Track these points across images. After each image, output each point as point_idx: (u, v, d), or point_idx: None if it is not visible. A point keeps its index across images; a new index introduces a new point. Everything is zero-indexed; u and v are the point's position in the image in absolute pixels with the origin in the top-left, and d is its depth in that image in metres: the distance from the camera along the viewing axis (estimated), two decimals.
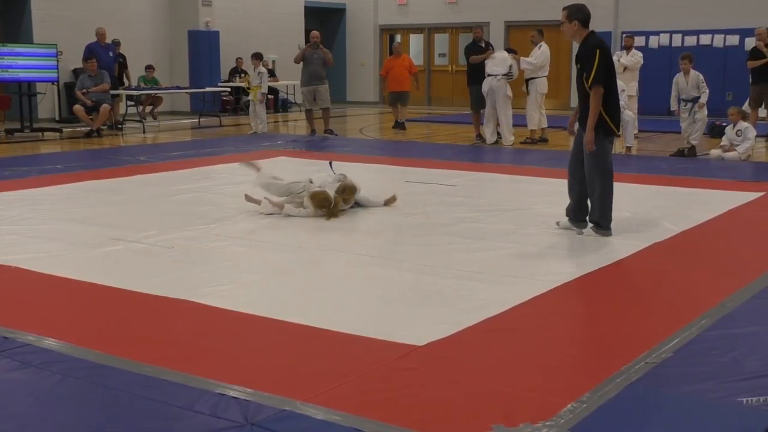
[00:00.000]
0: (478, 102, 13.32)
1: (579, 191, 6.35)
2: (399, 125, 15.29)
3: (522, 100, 13.59)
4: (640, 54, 13.65)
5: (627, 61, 13.41)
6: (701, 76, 11.15)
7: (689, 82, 11.16)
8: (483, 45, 13.59)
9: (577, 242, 6.11)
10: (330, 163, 7.76)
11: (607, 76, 6.09)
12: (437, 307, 4.54)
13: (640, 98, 13.90)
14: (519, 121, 13.51)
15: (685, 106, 11.31)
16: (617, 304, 4.69)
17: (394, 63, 15.42)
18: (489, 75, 12.93)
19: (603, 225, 6.28)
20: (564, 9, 6.25)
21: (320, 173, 7.36)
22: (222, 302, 4.59)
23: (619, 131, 6.37)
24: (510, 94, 12.95)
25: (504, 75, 12.87)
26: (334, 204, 6.84)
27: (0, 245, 5.97)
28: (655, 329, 4.15)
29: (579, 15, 6.19)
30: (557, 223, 6.55)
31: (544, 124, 13.34)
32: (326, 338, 4.06)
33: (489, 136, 13.23)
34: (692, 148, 11.31)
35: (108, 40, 15.35)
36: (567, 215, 6.49)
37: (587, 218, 6.37)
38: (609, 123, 6.12)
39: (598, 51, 6.04)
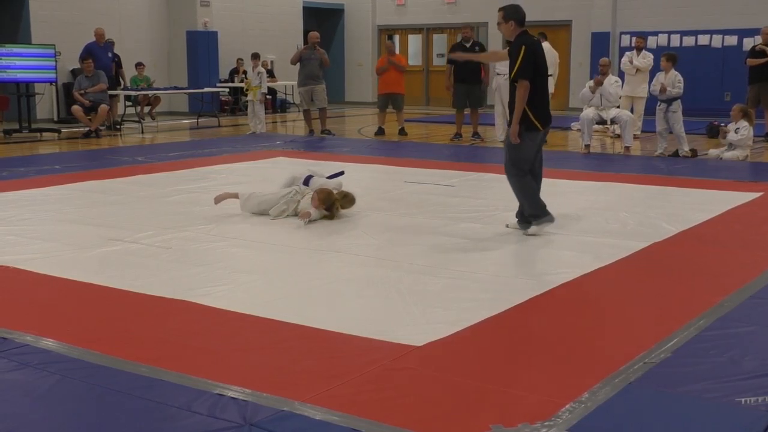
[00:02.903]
0: (460, 100, 13.36)
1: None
2: (381, 131, 14.42)
3: None
4: (651, 56, 13.60)
5: (640, 63, 13.38)
6: (679, 76, 11.14)
7: (666, 80, 11.16)
8: (468, 45, 13.48)
9: (575, 242, 6.11)
10: (341, 173, 7.65)
11: (537, 75, 6.26)
12: (435, 308, 4.54)
13: None
14: None
15: (659, 106, 11.31)
16: (615, 305, 4.69)
17: (385, 61, 14.54)
18: (498, 74, 13.02)
19: (539, 215, 6.38)
20: (500, 10, 6.48)
21: (315, 177, 7.30)
22: (220, 302, 4.59)
23: (544, 128, 6.42)
24: None
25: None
26: (335, 206, 6.82)
27: None
28: (654, 329, 4.16)
29: (515, 15, 6.39)
30: (506, 225, 6.60)
31: None
32: (324, 339, 4.06)
33: (500, 133, 13.28)
34: (676, 151, 11.31)
35: (104, 40, 15.35)
36: (516, 217, 6.54)
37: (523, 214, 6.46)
38: (531, 118, 6.26)
39: (523, 47, 6.22)
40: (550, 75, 13.08)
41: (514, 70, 6.22)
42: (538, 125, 6.32)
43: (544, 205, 6.41)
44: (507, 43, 6.60)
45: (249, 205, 6.99)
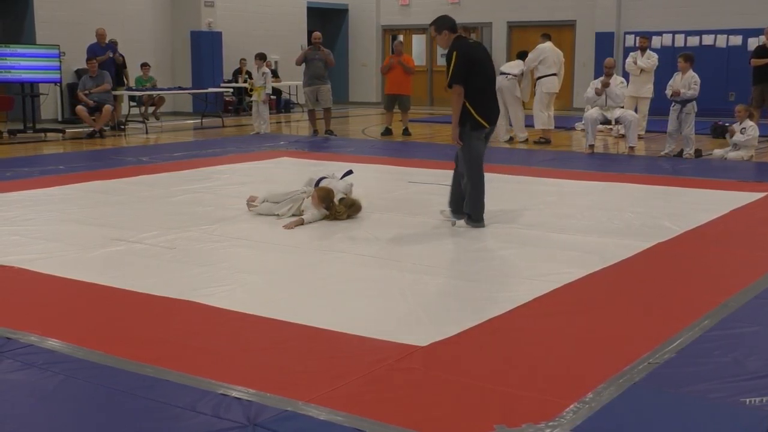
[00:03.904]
0: None
1: (456, 184, 6.75)
2: (389, 131, 14.39)
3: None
4: (655, 56, 13.57)
5: (644, 64, 13.36)
6: (696, 77, 11.07)
7: (683, 81, 11.12)
8: None
9: (579, 242, 6.11)
10: (349, 171, 7.63)
11: (476, 75, 6.45)
12: (438, 308, 4.54)
13: None
14: (528, 122, 13.63)
15: (673, 107, 11.26)
16: (619, 305, 4.69)
17: (394, 62, 14.45)
18: (502, 73, 13.06)
19: (474, 217, 6.61)
20: (431, 24, 6.76)
21: (328, 178, 7.27)
22: (224, 302, 4.59)
23: (489, 126, 6.58)
24: (518, 95, 12.99)
25: (514, 76, 12.96)
26: (336, 210, 6.82)
27: (2, 246, 5.98)
28: (658, 329, 4.15)
29: (446, 24, 6.61)
30: (442, 212, 6.87)
31: (549, 126, 13.30)
32: (328, 339, 4.06)
33: (501, 134, 13.30)
34: (681, 151, 11.28)
35: (106, 40, 15.36)
36: (449, 206, 6.83)
37: (463, 210, 6.69)
38: (476, 117, 6.45)
39: (455, 53, 6.44)
40: (555, 74, 13.11)
41: (448, 77, 6.45)
42: (484, 123, 6.50)
43: (483, 212, 6.63)
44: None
45: (261, 207, 7.03)
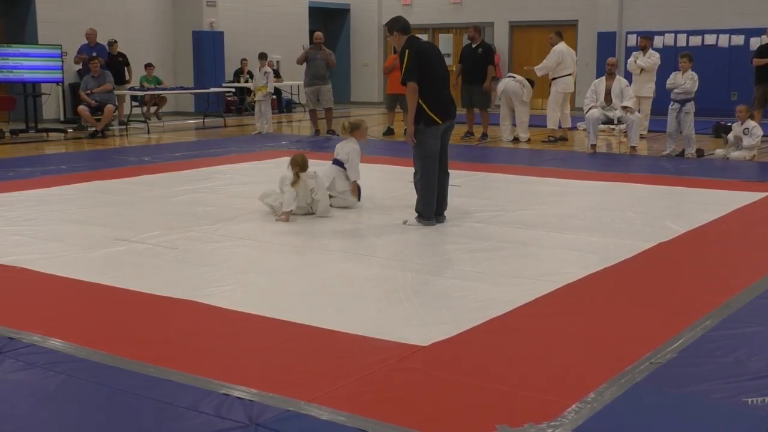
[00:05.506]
0: (462, 99, 13.43)
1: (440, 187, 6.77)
2: (390, 131, 14.43)
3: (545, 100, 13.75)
4: (657, 55, 13.56)
5: (644, 63, 13.35)
6: (695, 76, 11.08)
7: (684, 80, 11.11)
8: (480, 51, 13.31)
9: (581, 242, 6.11)
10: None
11: (429, 72, 6.54)
12: (440, 308, 4.54)
13: None
14: (541, 121, 13.63)
15: (671, 106, 11.25)
16: (621, 305, 4.69)
17: (397, 62, 14.74)
18: (508, 76, 13.13)
19: (424, 215, 6.64)
20: (385, 26, 6.90)
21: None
22: (226, 302, 4.60)
23: (442, 121, 6.60)
24: (525, 99, 13.02)
25: (517, 80, 13.02)
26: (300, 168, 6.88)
27: (4, 246, 5.99)
28: (660, 329, 4.15)
29: (397, 26, 6.77)
30: (404, 222, 6.73)
31: (566, 124, 13.35)
32: (330, 339, 4.06)
33: (505, 134, 13.31)
34: (683, 151, 11.27)
35: (104, 41, 15.32)
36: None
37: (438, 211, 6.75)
38: (429, 113, 6.48)
39: (407, 51, 6.53)
40: (569, 75, 13.13)
41: (402, 74, 6.54)
42: (437, 119, 6.53)
43: (434, 211, 6.65)
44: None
45: (271, 198, 7.10)
